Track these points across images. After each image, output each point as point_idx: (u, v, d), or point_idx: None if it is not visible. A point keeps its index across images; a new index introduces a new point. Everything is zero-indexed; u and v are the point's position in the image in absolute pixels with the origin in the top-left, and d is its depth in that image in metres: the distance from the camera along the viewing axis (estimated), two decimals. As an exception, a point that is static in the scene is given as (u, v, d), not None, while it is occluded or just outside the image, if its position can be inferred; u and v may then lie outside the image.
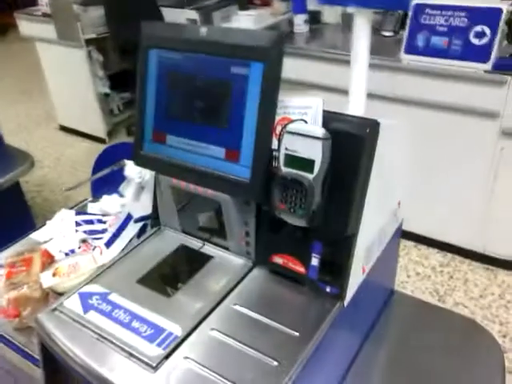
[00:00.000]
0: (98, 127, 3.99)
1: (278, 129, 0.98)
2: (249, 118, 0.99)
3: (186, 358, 0.91)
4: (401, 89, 2.26)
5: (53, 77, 4.11)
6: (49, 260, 1.34)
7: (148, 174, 1.50)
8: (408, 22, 2.14)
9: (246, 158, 1.00)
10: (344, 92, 2.33)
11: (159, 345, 0.93)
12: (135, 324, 0.98)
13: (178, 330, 0.96)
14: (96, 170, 1.84)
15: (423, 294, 2.28)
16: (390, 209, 1.15)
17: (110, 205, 1.59)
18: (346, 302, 1.01)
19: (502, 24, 1.94)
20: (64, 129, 4.33)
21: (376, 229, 1.09)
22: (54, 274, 1.23)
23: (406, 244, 2.58)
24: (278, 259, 1.06)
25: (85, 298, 1.06)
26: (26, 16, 3.89)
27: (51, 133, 4.36)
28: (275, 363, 0.89)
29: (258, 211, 1.08)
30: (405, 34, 2.17)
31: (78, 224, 1.51)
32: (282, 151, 0.92)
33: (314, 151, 0.88)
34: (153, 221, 1.30)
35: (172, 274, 1.17)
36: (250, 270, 1.11)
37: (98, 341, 0.96)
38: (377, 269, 1.14)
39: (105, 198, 1.63)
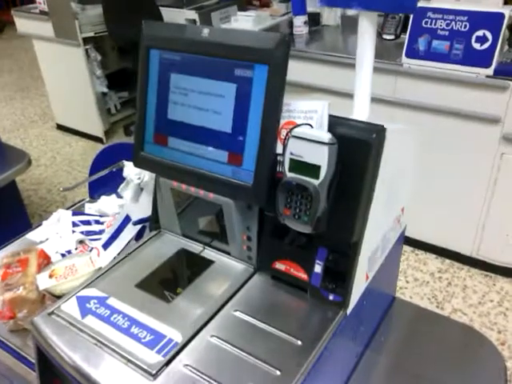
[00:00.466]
0: (96, 126, 3.96)
1: (283, 133, 0.96)
2: (253, 122, 0.97)
3: (186, 365, 0.89)
4: (401, 92, 2.26)
5: (50, 75, 4.08)
6: (45, 261, 1.32)
7: (147, 176, 1.48)
8: (409, 25, 2.14)
9: (249, 161, 0.99)
10: (343, 94, 2.34)
11: (159, 351, 0.91)
12: (134, 330, 0.96)
13: (177, 337, 0.94)
14: (94, 170, 1.81)
15: (422, 300, 2.27)
16: (394, 215, 1.14)
17: (108, 205, 1.57)
18: (348, 311, 0.99)
19: (503, 29, 1.93)
20: (61, 127, 4.30)
21: (380, 235, 1.07)
22: (50, 276, 1.21)
23: (404, 249, 2.57)
24: (280, 265, 1.05)
25: (83, 301, 1.04)
26: (24, 14, 3.86)
27: (48, 131, 4.32)
28: (277, 372, 0.87)
29: (261, 216, 1.06)
30: (406, 37, 2.16)
31: (74, 224, 1.49)
32: (287, 156, 0.90)
33: (320, 156, 0.86)
34: (152, 224, 1.28)
35: (172, 279, 1.16)
36: (251, 276, 1.10)
37: (96, 346, 0.94)
38: (379, 276, 1.13)
39: (103, 198, 1.62)
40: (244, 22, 2.92)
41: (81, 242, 1.41)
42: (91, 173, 1.83)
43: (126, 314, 1.00)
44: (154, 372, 0.88)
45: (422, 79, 2.18)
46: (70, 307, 1.03)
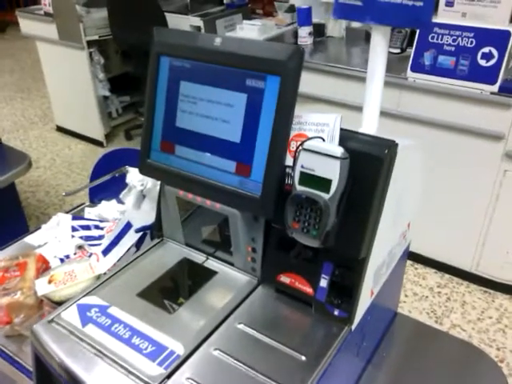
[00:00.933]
0: (96, 130, 3.95)
1: (292, 145, 0.95)
2: (262, 132, 0.96)
3: (188, 378, 0.88)
4: (405, 106, 2.26)
5: (52, 77, 4.07)
6: (44, 266, 1.30)
7: (150, 182, 1.47)
8: (415, 39, 2.14)
9: (257, 172, 0.98)
10: (347, 106, 2.35)
11: (160, 364, 0.89)
12: (135, 340, 0.95)
13: (180, 349, 0.93)
14: (95, 174, 1.80)
15: (420, 315, 2.26)
16: (400, 230, 1.13)
17: (108, 211, 1.56)
18: (353, 326, 0.98)
19: (509, 46, 1.94)
20: (61, 130, 4.29)
21: (387, 251, 1.06)
22: (49, 281, 1.20)
23: (403, 262, 2.56)
24: (285, 278, 1.03)
25: (83, 310, 1.03)
26: (28, 14, 3.86)
27: (47, 133, 4.31)
28: (281, 388, 0.85)
29: (266, 227, 1.05)
30: (412, 51, 2.17)
31: (74, 229, 1.47)
32: (298, 169, 0.89)
33: (332, 171, 0.85)
34: (155, 232, 1.26)
35: (174, 289, 1.14)
36: (254, 288, 1.08)
37: (96, 356, 0.92)
38: (383, 291, 1.12)
39: (103, 203, 1.60)
40: (249, 30, 2.92)
41: (80, 247, 1.39)
42: (92, 177, 1.81)
43: (128, 324, 0.98)
44: (155, 384, 0.86)
45: (426, 94, 2.18)
46: (71, 315, 1.01)
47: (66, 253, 1.36)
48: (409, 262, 2.58)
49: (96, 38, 3.63)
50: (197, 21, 3.45)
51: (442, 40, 2.06)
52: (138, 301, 1.05)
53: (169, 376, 0.88)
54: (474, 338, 2.14)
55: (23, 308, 1.17)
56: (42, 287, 1.18)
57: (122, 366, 0.90)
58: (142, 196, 1.51)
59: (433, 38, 2.08)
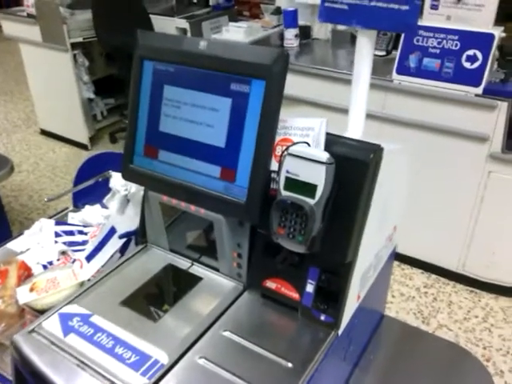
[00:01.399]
0: (81, 133, 3.90)
1: (278, 149, 0.94)
2: (247, 137, 0.95)
3: (173, 388, 0.86)
4: (391, 108, 2.26)
5: (36, 79, 4.01)
6: (26, 273, 1.27)
7: (134, 187, 1.44)
8: (401, 42, 2.15)
9: (242, 178, 0.97)
10: (333, 109, 2.35)
11: (144, 374, 0.88)
12: (119, 350, 0.93)
13: (164, 358, 0.91)
14: (79, 178, 1.77)
15: (407, 315, 2.26)
16: (386, 234, 1.13)
17: (92, 215, 1.53)
18: (340, 331, 0.97)
19: (493, 49, 1.95)
20: (45, 133, 4.23)
21: (373, 255, 1.06)
22: (31, 289, 1.17)
23: (390, 263, 2.56)
24: (271, 284, 1.02)
25: (65, 319, 1.00)
26: (10, 16, 3.80)
27: (31, 136, 4.24)
28: (268, 397, 0.84)
29: (252, 232, 1.03)
30: (397, 54, 2.17)
31: (57, 235, 1.44)
32: (283, 174, 0.88)
33: (317, 176, 0.84)
34: (139, 238, 1.24)
35: (158, 296, 1.12)
36: (240, 294, 1.07)
37: (79, 367, 0.90)
38: (370, 294, 1.11)
39: (87, 208, 1.57)
40: (235, 32, 2.91)
41: (63, 252, 1.36)
42: (76, 181, 1.79)
43: (111, 333, 0.96)
44: (138, 395, 0.84)
45: (411, 96, 2.19)
46: (52, 325, 0.99)
47: (49, 259, 1.34)
48: (396, 263, 2.59)
49: (80, 40, 3.58)
50: (183, 23, 3.43)
51: (427, 43, 2.07)
52: (122, 309, 1.03)
53: (153, 386, 0.86)
54: (460, 337, 2.15)
55: (4, 317, 1.14)
56: (24, 295, 1.15)
57: (104, 377, 0.88)
58: (126, 201, 1.49)
59: (418, 40, 2.08)
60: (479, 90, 2.00)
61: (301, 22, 2.84)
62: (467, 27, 1.98)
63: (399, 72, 2.17)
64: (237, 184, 0.97)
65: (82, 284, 1.18)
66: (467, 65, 2.00)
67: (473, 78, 2.00)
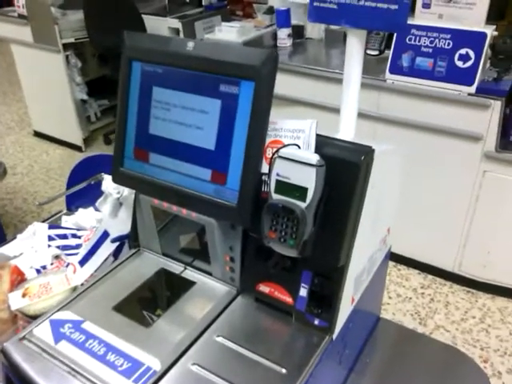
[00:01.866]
0: (74, 134, 3.88)
1: (268, 152, 0.93)
2: (237, 139, 0.94)
3: (165, 395, 0.85)
4: (384, 108, 2.26)
5: (28, 80, 3.99)
6: (19, 278, 1.26)
7: (127, 190, 1.43)
8: (393, 41, 2.14)
9: (233, 180, 0.95)
10: (326, 108, 2.34)
11: (136, 381, 0.86)
12: (110, 357, 0.91)
13: (156, 365, 0.90)
14: (72, 181, 1.76)
15: (404, 317, 2.25)
16: (380, 236, 1.12)
17: (86, 219, 1.52)
18: (334, 336, 0.96)
19: (486, 48, 1.95)
20: (38, 135, 4.20)
21: (366, 258, 1.05)
22: (23, 295, 1.16)
23: (386, 264, 2.56)
24: (265, 288, 1.01)
25: (56, 326, 0.99)
26: (1, 17, 3.76)
27: (25, 138, 4.22)
28: (261, 403, 0.83)
29: (244, 236, 1.02)
30: (390, 53, 2.16)
31: (50, 238, 1.43)
32: (273, 177, 0.87)
33: (308, 178, 0.83)
34: (131, 242, 1.23)
35: (151, 301, 1.11)
36: (233, 298, 1.06)
37: (70, 375, 0.89)
38: (365, 297, 1.11)
39: (80, 211, 1.56)
40: (228, 32, 2.90)
41: (56, 256, 1.35)
42: (69, 184, 1.77)
43: (102, 340, 0.95)
44: (130, 403, 0.83)
45: (405, 95, 2.18)
46: (43, 332, 0.97)
47: (43, 263, 1.32)
48: (392, 264, 2.58)
49: (72, 40, 3.56)
50: (175, 23, 3.41)
51: (419, 42, 2.06)
52: (114, 315, 1.02)
53: (145, 393, 0.85)
54: (457, 338, 2.15)
55: (-4, 323, 1.13)
56: (16, 301, 1.14)
57: (96, 385, 0.87)
58: (119, 204, 1.47)
59: (410, 39, 2.08)
60: (472, 88, 2.00)
61: (294, 22, 2.83)
62: (459, 26, 1.98)
63: (392, 71, 2.16)
64: (228, 187, 0.96)
65: (74, 289, 1.16)
66: (460, 64, 1.99)
67: (466, 77, 1.99)
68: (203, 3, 3.71)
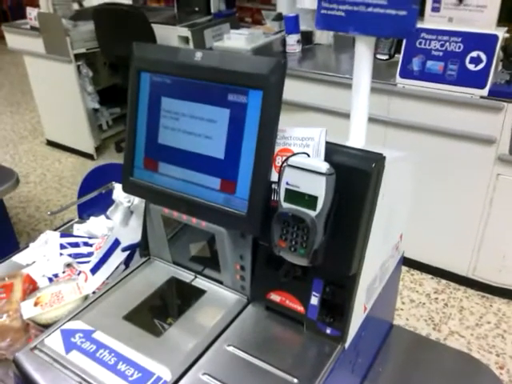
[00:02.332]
0: (86, 143, 3.91)
1: (278, 160, 0.93)
2: (246, 148, 0.94)
3: (176, 406, 0.85)
4: (395, 112, 2.24)
5: (40, 91, 4.04)
6: (31, 286, 1.27)
7: (137, 199, 1.44)
8: (403, 45, 2.13)
9: (242, 189, 0.95)
10: (338, 114, 2.33)
11: (147, 391, 0.86)
12: (121, 366, 0.91)
13: (167, 375, 0.89)
14: (83, 190, 1.77)
15: (418, 322, 2.22)
16: (392, 243, 1.11)
17: (97, 227, 1.52)
18: (346, 345, 0.95)
19: (497, 50, 1.93)
20: (51, 143, 4.25)
21: (378, 265, 1.04)
22: (35, 304, 1.16)
23: (399, 269, 2.53)
24: (275, 296, 1.00)
25: (67, 335, 0.99)
26: (14, 29, 3.82)
27: (37, 147, 4.27)
28: (273, 414, 0.82)
29: (255, 244, 1.02)
30: (400, 57, 2.15)
31: (62, 247, 1.44)
32: (283, 186, 0.86)
33: (318, 187, 0.82)
34: (141, 251, 1.23)
35: (162, 310, 1.11)
36: (244, 307, 1.05)
37: (81, 385, 0.89)
38: (377, 305, 1.09)
39: (92, 219, 1.57)
40: (237, 40, 2.90)
41: (68, 265, 1.36)
42: (80, 193, 1.79)
43: (113, 350, 0.95)
44: (141, 414, 0.83)
45: (416, 99, 2.16)
46: (54, 342, 0.98)
47: (55, 271, 1.33)
48: (405, 269, 2.56)
49: (83, 50, 3.60)
50: (184, 31, 3.43)
51: (429, 45, 2.05)
52: (124, 324, 1.02)
53: (155, 404, 0.85)
54: (472, 344, 2.11)
55: (9, 331, 1.13)
56: (28, 310, 1.15)
57: (107, 395, 0.86)
58: (130, 212, 1.48)
59: (420, 43, 2.06)
60: (484, 91, 1.98)
61: (302, 28, 2.83)
62: (470, 29, 1.96)
63: (403, 76, 2.15)
64: (237, 196, 0.96)
65: (86, 298, 1.17)
66: (471, 67, 1.98)
67: (477, 80, 1.97)
68: (212, 11, 3.72)
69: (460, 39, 1.98)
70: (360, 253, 0.89)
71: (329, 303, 0.95)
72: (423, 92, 2.12)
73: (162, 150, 1.05)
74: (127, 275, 1.17)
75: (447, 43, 2.01)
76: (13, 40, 3.88)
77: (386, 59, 2.34)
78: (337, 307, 0.94)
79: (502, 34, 1.93)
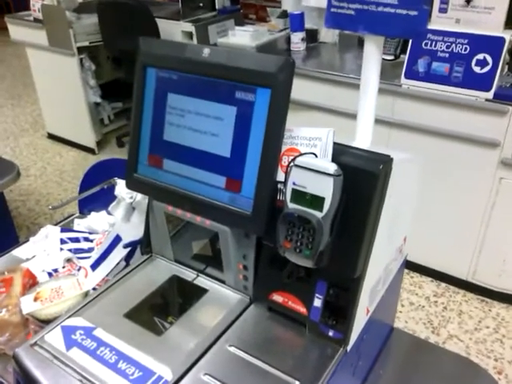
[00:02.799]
0: (88, 137, 3.90)
1: (284, 160, 0.92)
2: (253, 147, 0.93)
3: (176, 406, 0.84)
4: (400, 113, 2.23)
5: (43, 83, 4.02)
6: (30, 281, 1.26)
7: (139, 195, 1.43)
8: (409, 46, 2.12)
9: (248, 188, 0.94)
10: (341, 114, 2.33)
11: (147, 390, 0.86)
12: (122, 365, 0.91)
13: (168, 374, 0.89)
14: (85, 185, 1.76)
15: (417, 325, 2.22)
16: (396, 245, 1.10)
17: (98, 222, 1.52)
18: (349, 348, 0.94)
19: (504, 53, 1.92)
20: (52, 137, 4.23)
21: (382, 268, 1.03)
22: (35, 299, 1.15)
23: (399, 271, 2.52)
24: (278, 297, 1.00)
25: (68, 332, 0.99)
26: (17, 21, 3.81)
27: (38, 140, 4.25)
28: (274, 417, 0.82)
29: (258, 244, 1.01)
30: (405, 58, 2.14)
31: (63, 241, 1.43)
32: (289, 186, 0.85)
33: (325, 188, 0.81)
34: (143, 248, 1.22)
35: (163, 308, 1.10)
36: (246, 307, 1.05)
37: (81, 382, 0.88)
38: (380, 307, 1.09)
39: (93, 214, 1.56)
40: (241, 36, 2.89)
41: (68, 260, 1.35)
42: (82, 188, 1.77)
43: (114, 348, 0.94)
44: (141, 414, 0.82)
45: (420, 101, 2.15)
46: (55, 338, 0.97)
47: (55, 266, 1.32)
48: (405, 271, 2.54)
49: (86, 44, 3.58)
50: (188, 26, 3.41)
51: (435, 47, 2.04)
52: (126, 322, 1.01)
53: (156, 404, 0.84)
54: (471, 348, 2.11)
55: (8, 326, 1.13)
56: (28, 305, 1.14)
57: (107, 394, 0.86)
58: (132, 208, 1.47)
59: (426, 44, 2.05)
60: (489, 94, 1.97)
61: (307, 26, 2.82)
62: (477, 31, 1.95)
63: (408, 76, 2.14)
64: (242, 195, 0.95)
65: (86, 294, 1.16)
66: (477, 69, 1.97)
67: (483, 83, 1.96)
68: (217, 7, 3.71)
69: (466, 41, 1.97)
70: (365, 255, 0.89)
71: (332, 305, 0.94)
72: (428, 93, 2.11)
73: (166, 147, 1.04)
74: (129, 272, 1.16)
75: (453, 45, 2.00)
76: (16, 32, 3.87)
77: (392, 60, 2.33)
78: (340, 309, 0.93)
79: (508, 36, 1.91)
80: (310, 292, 0.95)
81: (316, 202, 0.83)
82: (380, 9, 0.93)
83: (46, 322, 1.08)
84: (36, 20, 3.60)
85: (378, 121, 1.05)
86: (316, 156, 0.87)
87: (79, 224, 1.54)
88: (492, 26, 1.94)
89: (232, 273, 1.06)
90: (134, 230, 1.33)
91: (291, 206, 0.86)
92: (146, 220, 1.19)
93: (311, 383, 0.87)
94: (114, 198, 1.50)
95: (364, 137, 1.03)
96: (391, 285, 1.15)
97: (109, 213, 1.53)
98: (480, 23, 1.97)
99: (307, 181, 0.83)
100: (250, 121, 0.92)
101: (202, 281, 1.13)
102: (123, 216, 1.47)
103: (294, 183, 0.85)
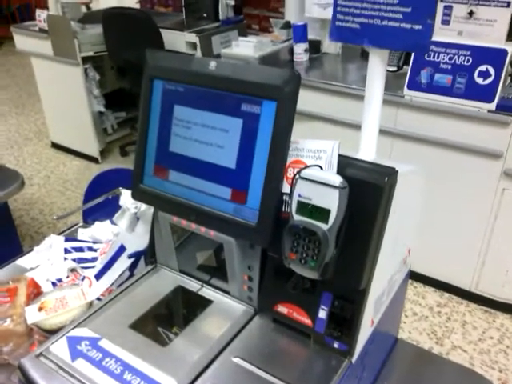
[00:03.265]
0: (91, 146, 3.91)
1: (290, 171, 0.93)
2: (258, 159, 0.94)
3: (182, 418, 0.84)
4: (402, 124, 2.24)
5: (47, 93, 4.05)
6: (35, 290, 1.26)
7: (144, 205, 1.43)
8: (412, 57, 2.13)
9: (253, 200, 0.95)
10: (344, 124, 2.34)
11: (152, 402, 0.86)
12: (127, 376, 0.91)
13: (173, 385, 0.89)
14: (89, 195, 1.77)
15: (420, 336, 2.21)
16: (401, 257, 1.10)
17: (102, 232, 1.52)
18: (354, 359, 0.94)
19: (506, 65, 1.93)
20: (56, 146, 4.25)
21: (387, 279, 1.03)
22: (40, 309, 1.16)
23: (402, 281, 2.52)
24: (283, 308, 1.00)
25: (73, 343, 0.99)
26: (23, 31, 3.84)
27: (42, 149, 4.27)
28: (279, 429, 0.82)
29: (263, 255, 1.01)
30: (408, 69, 2.16)
31: (67, 251, 1.43)
32: (295, 198, 0.86)
33: (331, 200, 0.82)
34: (148, 258, 1.23)
35: (168, 319, 1.10)
36: (251, 318, 1.05)
37: (86, 394, 0.88)
38: (384, 319, 1.09)
39: (97, 224, 1.56)
40: (245, 47, 2.91)
41: (72, 269, 1.35)
42: (86, 198, 1.78)
43: (119, 358, 0.94)
44: (146, 425, 0.82)
45: (423, 112, 2.16)
46: (60, 349, 0.97)
47: (59, 276, 1.33)
48: (408, 281, 2.54)
49: (91, 54, 3.61)
50: (192, 37, 3.44)
51: (438, 58, 2.05)
52: (131, 333, 1.01)
53: (161, 415, 0.84)
54: (475, 359, 2.10)
55: (13, 336, 1.13)
56: (33, 315, 1.14)
57: (112, 405, 0.86)
58: (136, 219, 1.48)
59: (429, 56, 2.07)
60: (492, 106, 1.98)
61: (310, 37, 2.84)
62: (479, 43, 1.96)
63: (410, 88, 2.15)
64: (248, 206, 0.96)
65: (90, 304, 1.16)
66: (479, 80, 1.98)
67: (485, 94, 1.97)
68: (220, 18, 3.74)
69: (469, 53, 1.98)
70: (370, 267, 0.89)
71: (337, 317, 0.94)
72: (430, 104, 2.12)
73: (172, 158, 1.05)
74: (133, 283, 1.16)
75: (456, 56, 2.01)
76: (21, 41, 3.90)
77: (395, 71, 2.35)
78: (345, 321, 0.93)
79: (511, 48, 1.93)
80: (315, 303, 0.95)
81: (321, 214, 0.83)
82: (385, 23, 0.94)
83: (50, 332, 1.08)
84: (41, 30, 3.63)
85: (380, 131, 1.06)
86: (321, 168, 0.88)
87: (83, 233, 1.54)
88: (494, 38, 1.96)
89: (237, 284, 1.06)
90: (138, 240, 1.33)
91: (297, 217, 0.86)
92: (151, 230, 1.19)
93: (316, 395, 0.87)
94: (118, 207, 1.51)
95: (368, 149, 1.03)
96: (395, 296, 1.15)
97: (113, 222, 1.53)
98: (482, 35, 1.98)
99: (313, 193, 0.84)
100: (255, 133, 0.93)
101: (207, 291, 1.13)
102: (128, 226, 1.47)
103: (299, 195, 0.85)
